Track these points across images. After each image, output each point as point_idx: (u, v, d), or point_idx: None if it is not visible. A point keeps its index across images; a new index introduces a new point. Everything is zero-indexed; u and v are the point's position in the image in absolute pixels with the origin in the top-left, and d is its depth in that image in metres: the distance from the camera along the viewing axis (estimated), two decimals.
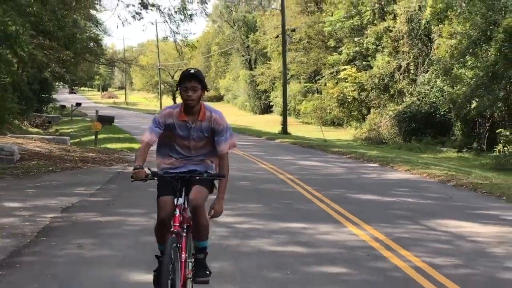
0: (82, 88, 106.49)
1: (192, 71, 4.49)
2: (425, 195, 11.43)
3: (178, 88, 4.51)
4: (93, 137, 23.83)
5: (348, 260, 6.30)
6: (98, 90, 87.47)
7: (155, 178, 4.44)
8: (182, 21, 22.07)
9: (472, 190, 12.26)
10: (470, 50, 26.58)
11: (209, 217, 4.47)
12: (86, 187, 11.29)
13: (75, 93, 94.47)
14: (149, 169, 4.42)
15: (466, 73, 28.09)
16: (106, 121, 22.97)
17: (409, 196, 11.24)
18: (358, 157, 19.80)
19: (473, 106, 25.74)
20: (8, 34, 12.53)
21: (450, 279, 5.62)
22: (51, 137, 23.04)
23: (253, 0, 63.18)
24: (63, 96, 76.37)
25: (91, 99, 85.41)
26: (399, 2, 37.18)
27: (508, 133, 26.58)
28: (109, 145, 21.90)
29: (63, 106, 52.98)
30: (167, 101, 76.97)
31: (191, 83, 4.45)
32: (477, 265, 6.23)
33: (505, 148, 26.03)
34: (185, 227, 4.49)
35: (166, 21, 23.91)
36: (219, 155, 4.64)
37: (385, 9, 39.19)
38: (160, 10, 21.82)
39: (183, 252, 4.37)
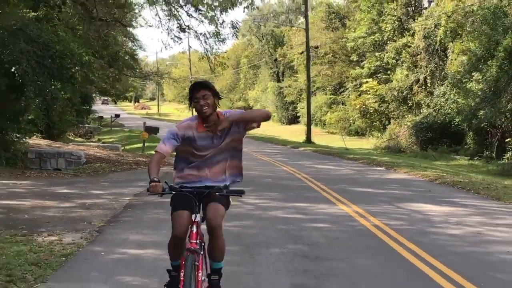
0: (106, 98, 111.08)
1: (198, 81, 4.66)
2: (410, 189, 14.78)
3: (191, 103, 4.61)
4: (135, 145, 27.62)
5: (332, 221, 9.74)
6: (130, 101, 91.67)
7: (173, 192, 4.48)
8: (215, 44, 25.57)
9: (451, 186, 15.55)
10: (477, 67, 29.64)
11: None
12: (144, 182, 14.88)
13: (107, 104, 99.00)
14: (166, 182, 4.48)
15: (476, 87, 31.15)
16: (152, 131, 26.77)
17: (397, 189, 14.61)
18: (369, 162, 23.17)
19: (477, 118, 28.76)
20: (83, 62, 16.28)
21: (394, 230, 8.97)
22: (106, 144, 26.91)
23: (280, 15, 66.95)
24: (98, 107, 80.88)
25: (124, 110, 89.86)
26: (417, 19, 40.40)
27: None
28: (153, 152, 25.61)
29: (101, 117, 57.09)
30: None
31: (200, 92, 4.53)
32: (417, 225, 9.58)
33: None
34: (202, 244, 4.56)
35: (202, 44, 27.53)
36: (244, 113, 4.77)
37: (404, 26, 42.42)
38: (196, 35, 25.33)
39: (200, 270, 4.41)
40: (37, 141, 20.50)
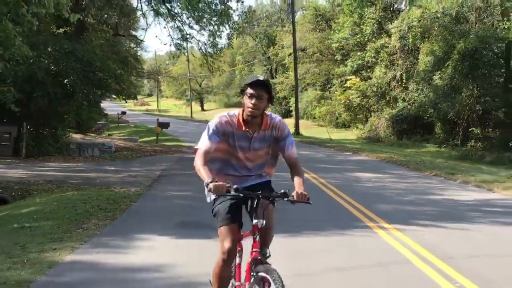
0: (114, 96, 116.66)
1: (261, 78, 4.27)
2: (361, 165, 20.58)
3: (242, 93, 4.33)
4: (147, 138, 33.37)
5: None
6: (133, 99, 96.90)
7: (240, 195, 4.12)
8: (213, 52, 31.29)
9: (393, 163, 21.37)
10: (438, 67, 35.44)
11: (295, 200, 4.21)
12: (165, 163, 20.68)
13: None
14: (229, 182, 4.12)
15: (440, 83, 36.89)
16: (164, 125, 32.52)
17: (351, 165, 20.42)
18: (341, 149, 29.01)
19: (436, 110, 34.57)
20: (116, 75, 22.09)
21: (332, 185, 14.69)
22: (126, 137, 32.71)
23: (272, 16, 72.69)
24: (102, 105, 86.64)
25: (125, 107, 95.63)
26: (393, 22, 46.12)
27: (478, 131, 35.43)
28: (164, 143, 31.51)
29: (106, 114, 62.79)
30: (196, 107, 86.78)
31: (258, 90, 4.24)
32: (348, 182, 15.34)
33: (477, 144, 34.85)
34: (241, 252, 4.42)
35: (202, 51, 33.20)
36: (290, 160, 4.49)
37: (383, 28, 48.11)
38: (198, 45, 31.06)
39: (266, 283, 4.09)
40: (73, 136, 26.22)
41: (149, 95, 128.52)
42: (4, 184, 15.07)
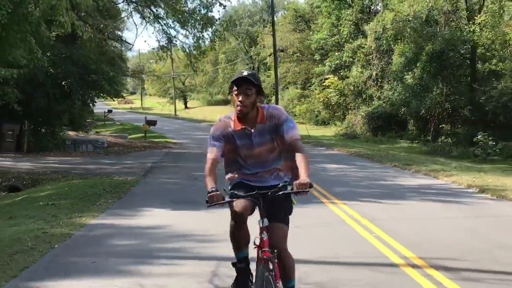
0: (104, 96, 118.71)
1: (244, 73, 4.29)
2: (330, 158, 23.19)
3: (230, 93, 4.36)
4: (135, 135, 35.77)
5: None
6: (117, 97, 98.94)
7: (234, 200, 4.29)
8: (198, 54, 33.67)
9: (360, 157, 24.01)
10: (409, 67, 38.22)
11: (295, 191, 4.14)
12: (155, 157, 23.16)
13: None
14: (224, 190, 4.37)
15: (412, 83, 39.62)
16: (151, 123, 34.96)
17: (321, 158, 23.00)
18: (316, 144, 31.66)
19: (407, 108, 37.35)
20: (110, 77, 24.54)
21: None
22: (116, 134, 35.10)
23: (254, 15, 75.23)
24: None
25: (109, 105, 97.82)
26: (369, 24, 48.83)
27: (448, 127, 38.23)
28: (152, 139, 33.96)
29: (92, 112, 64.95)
30: (179, 105, 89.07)
31: (242, 87, 4.25)
32: (316, 172, 17.89)
33: (447, 140, 37.57)
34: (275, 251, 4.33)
35: (186, 52, 35.54)
36: (291, 142, 4.38)
37: (360, 29, 50.82)
38: (183, 48, 33.38)
39: (278, 280, 4.26)
40: (68, 133, 28.60)
41: (132, 93, 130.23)
42: (16, 174, 17.53)
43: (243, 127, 4.40)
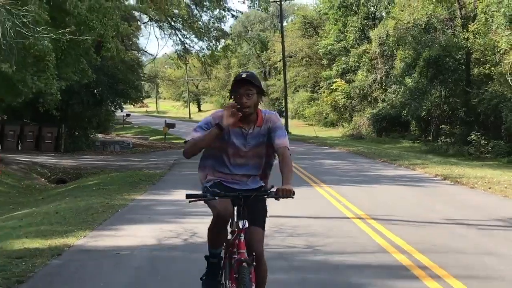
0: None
1: (243, 75, 4.38)
2: (330, 155, 26.73)
3: (231, 96, 4.42)
4: (154, 137, 39.53)
5: None
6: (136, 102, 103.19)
7: (216, 198, 4.28)
8: (212, 62, 37.38)
9: (357, 154, 27.50)
10: (408, 72, 41.72)
11: (278, 197, 4.28)
12: (175, 156, 26.80)
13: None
14: (207, 187, 4.51)
15: (410, 87, 43.06)
16: (170, 126, 38.75)
17: (322, 155, 26.56)
18: (320, 144, 35.22)
19: (406, 110, 40.85)
20: (135, 85, 28.27)
21: (302, 168, 20.82)
22: (138, 136, 38.92)
23: (266, 21, 78.90)
24: None
25: (126, 109, 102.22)
26: (373, 30, 52.33)
27: (448, 127, 41.58)
28: (171, 141, 37.75)
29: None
30: (193, 108, 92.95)
31: (243, 88, 4.33)
32: (315, 166, 21.47)
33: (446, 139, 40.89)
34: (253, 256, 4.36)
35: (201, 60, 39.27)
36: (280, 148, 4.42)
37: (366, 35, 54.35)
38: (198, 57, 37.09)
39: (254, 283, 4.30)
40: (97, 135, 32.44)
41: (147, 96, 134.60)
42: (61, 169, 21.32)
43: (241, 126, 4.45)
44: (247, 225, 4.33)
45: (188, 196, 4.29)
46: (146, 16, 28.35)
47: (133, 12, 27.78)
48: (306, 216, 10.53)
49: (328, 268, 6.89)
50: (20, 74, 14.36)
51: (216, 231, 4.51)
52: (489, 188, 14.77)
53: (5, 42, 10.65)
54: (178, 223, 9.82)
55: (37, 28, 11.16)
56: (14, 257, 7.28)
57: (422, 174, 18.68)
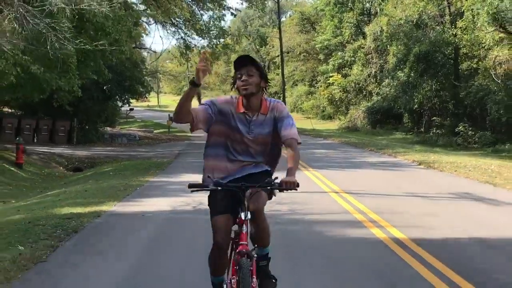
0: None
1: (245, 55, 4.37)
2: (322, 146, 29.11)
3: (234, 83, 4.42)
4: (158, 130, 41.95)
5: None
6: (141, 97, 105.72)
7: (218, 188, 4.25)
8: (212, 59, 39.72)
9: (348, 144, 29.89)
10: (399, 67, 44.09)
11: (282, 190, 4.29)
12: (179, 147, 29.23)
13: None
14: (209, 177, 4.45)
15: (402, 81, 45.39)
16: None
17: (315, 145, 28.92)
18: (316, 135, 37.61)
19: (398, 103, 43.23)
20: (142, 82, 30.67)
21: None
22: (143, 129, 41.32)
23: (264, 16, 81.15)
24: None
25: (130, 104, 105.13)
26: (368, 26, 54.66)
27: (439, 119, 43.88)
28: (174, 133, 40.17)
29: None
30: (194, 102, 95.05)
31: (245, 68, 4.31)
32: (305, 154, 23.79)
33: (437, 131, 43.23)
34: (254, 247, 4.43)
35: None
36: (287, 140, 4.37)
37: (361, 30, 56.66)
38: (199, 51, 39.38)
39: (254, 276, 4.26)
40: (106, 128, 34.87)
41: (147, 91, 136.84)
42: (77, 159, 23.73)
43: (245, 111, 4.40)
44: (249, 216, 4.25)
45: (190, 185, 4.30)
46: (152, 18, 30.61)
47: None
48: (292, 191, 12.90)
49: (303, 223, 9.29)
50: (47, 75, 16.70)
51: (216, 258, 4.42)
52: (455, 171, 17.18)
53: (52, 53, 13.02)
54: (188, 197, 12.16)
55: (66, 35, 13.47)
56: (64, 218, 9.66)
57: (402, 161, 21.07)
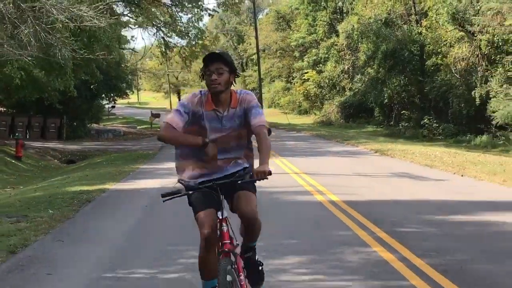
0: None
1: (217, 51, 4.29)
2: (294, 138, 31.92)
3: (203, 76, 4.35)
4: (141, 126, 44.58)
5: None
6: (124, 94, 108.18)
7: (190, 192, 4.28)
8: (191, 58, 42.41)
9: (318, 137, 32.73)
10: (369, 64, 47.11)
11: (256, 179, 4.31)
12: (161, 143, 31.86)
13: None
14: (180, 182, 4.54)
15: (372, 76, 48.38)
16: (156, 116, 43.78)
17: (288, 138, 31.72)
18: (290, 129, 40.48)
19: (367, 98, 46.25)
20: (127, 81, 33.28)
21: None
22: (126, 125, 43.91)
23: (242, 14, 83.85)
24: None
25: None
26: (341, 24, 57.61)
27: (407, 113, 46.91)
28: (156, 129, 42.78)
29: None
30: (174, 99, 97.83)
31: (214, 65, 4.25)
32: (276, 146, 26.61)
33: (406, 124, 46.23)
34: (236, 244, 4.43)
35: (181, 56, 44.23)
36: (256, 128, 4.41)
37: (335, 28, 59.59)
38: (179, 54, 42.06)
39: (241, 273, 4.31)
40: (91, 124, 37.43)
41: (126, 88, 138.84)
42: (70, 152, 26.35)
43: (215, 108, 4.37)
44: (226, 214, 4.33)
45: (163, 195, 4.30)
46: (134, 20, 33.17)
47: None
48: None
49: (264, 194, 12.04)
50: (46, 77, 19.36)
51: (205, 255, 4.30)
52: (403, 157, 20.10)
53: (63, 62, 15.67)
54: (174, 178, 14.92)
55: (68, 47, 16.09)
56: (77, 193, 12.37)
57: (361, 150, 23.97)
